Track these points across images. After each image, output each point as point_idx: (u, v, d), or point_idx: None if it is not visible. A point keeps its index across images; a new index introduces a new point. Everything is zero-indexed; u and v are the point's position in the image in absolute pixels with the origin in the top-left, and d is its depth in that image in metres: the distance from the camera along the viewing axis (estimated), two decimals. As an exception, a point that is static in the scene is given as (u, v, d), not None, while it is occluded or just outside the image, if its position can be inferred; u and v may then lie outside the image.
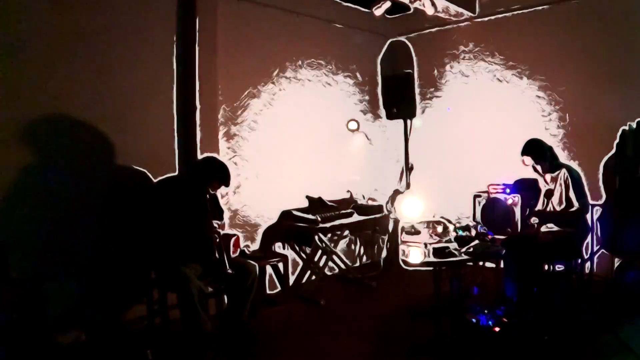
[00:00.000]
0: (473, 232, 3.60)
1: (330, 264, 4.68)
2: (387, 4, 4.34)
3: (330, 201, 4.60)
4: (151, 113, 3.56)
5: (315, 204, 4.51)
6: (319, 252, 4.68)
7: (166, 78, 3.63)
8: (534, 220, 3.64)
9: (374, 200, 4.90)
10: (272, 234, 4.39)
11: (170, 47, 3.63)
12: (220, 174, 3.17)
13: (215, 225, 3.13)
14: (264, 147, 4.35)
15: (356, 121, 5.14)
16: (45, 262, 3.04)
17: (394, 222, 4.70)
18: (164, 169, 3.49)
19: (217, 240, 3.13)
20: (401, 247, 3.64)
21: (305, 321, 3.79)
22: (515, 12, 4.66)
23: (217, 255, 3.09)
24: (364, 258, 5.27)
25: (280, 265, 3.99)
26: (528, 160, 3.60)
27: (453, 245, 3.47)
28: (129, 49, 3.41)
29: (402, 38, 5.32)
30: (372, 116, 5.34)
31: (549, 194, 3.56)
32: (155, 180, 3.33)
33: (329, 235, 4.61)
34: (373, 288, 4.52)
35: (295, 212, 4.35)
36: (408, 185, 4.82)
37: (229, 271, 3.10)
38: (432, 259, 3.31)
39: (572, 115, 4.40)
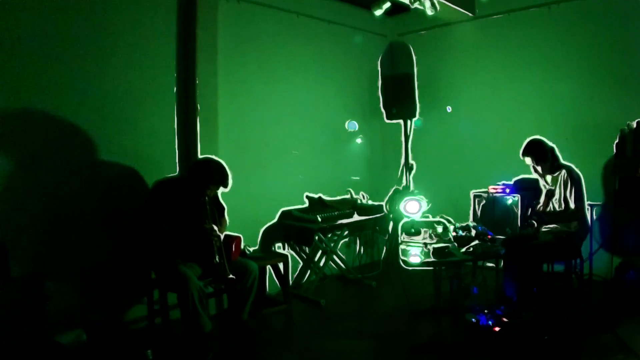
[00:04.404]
0: (473, 232, 3.60)
1: (330, 264, 4.68)
2: (387, 4, 4.34)
3: (330, 201, 4.60)
4: (151, 113, 3.55)
5: (315, 204, 4.51)
6: (319, 252, 4.68)
7: (167, 78, 3.63)
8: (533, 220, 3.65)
9: (374, 200, 4.90)
10: (272, 234, 4.39)
11: (170, 47, 3.63)
12: (217, 176, 3.16)
13: (215, 229, 3.12)
14: (264, 147, 4.35)
15: (355, 122, 5.15)
16: (45, 262, 3.04)
17: (393, 222, 4.70)
18: (164, 170, 3.48)
19: (218, 244, 3.12)
20: (401, 247, 3.64)
21: (305, 321, 3.80)
22: (514, 12, 4.66)
23: (217, 259, 3.08)
24: (364, 258, 5.28)
25: (281, 265, 3.99)
26: (529, 160, 3.59)
27: (453, 245, 3.48)
28: (129, 49, 3.40)
29: (402, 38, 5.33)
30: (372, 116, 5.34)
31: (551, 194, 3.56)
32: (155, 182, 3.32)
33: (329, 235, 4.61)
34: (373, 288, 4.53)
35: (295, 212, 4.36)
36: (408, 185, 4.83)
37: (231, 276, 3.10)
38: (432, 259, 3.31)
39: (572, 115, 4.40)
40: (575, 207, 3.41)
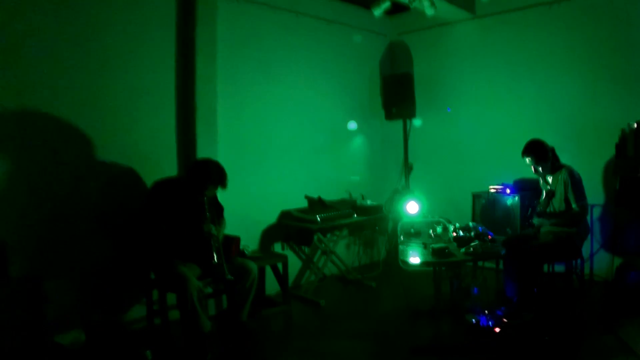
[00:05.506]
0: (473, 232, 3.59)
1: (330, 264, 4.67)
2: (387, 4, 4.34)
3: (330, 201, 4.59)
4: (151, 114, 3.55)
5: (315, 204, 4.51)
6: (319, 252, 4.68)
7: (166, 78, 3.62)
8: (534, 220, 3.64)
9: (373, 200, 4.89)
10: (272, 234, 4.39)
11: (170, 47, 3.62)
12: (215, 176, 3.15)
13: (214, 230, 3.12)
14: (264, 147, 4.35)
15: (354, 122, 5.15)
16: (45, 262, 3.03)
17: (393, 222, 4.69)
18: (163, 170, 3.48)
19: (217, 245, 3.11)
20: (401, 247, 3.63)
21: (305, 321, 3.79)
22: (514, 12, 4.66)
23: (215, 259, 3.08)
24: (364, 258, 5.27)
25: (280, 266, 3.98)
26: (529, 161, 3.58)
27: (453, 246, 3.47)
28: (128, 48, 3.40)
29: (402, 38, 5.32)
30: (372, 116, 5.34)
31: (551, 194, 3.55)
32: (153, 182, 3.32)
33: (329, 235, 4.60)
34: (373, 288, 4.52)
35: (295, 212, 4.35)
36: (408, 185, 4.83)
37: (229, 277, 3.09)
38: (432, 259, 3.30)
39: (573, 115, 4.39)
40: (579, 206, 3.41)
